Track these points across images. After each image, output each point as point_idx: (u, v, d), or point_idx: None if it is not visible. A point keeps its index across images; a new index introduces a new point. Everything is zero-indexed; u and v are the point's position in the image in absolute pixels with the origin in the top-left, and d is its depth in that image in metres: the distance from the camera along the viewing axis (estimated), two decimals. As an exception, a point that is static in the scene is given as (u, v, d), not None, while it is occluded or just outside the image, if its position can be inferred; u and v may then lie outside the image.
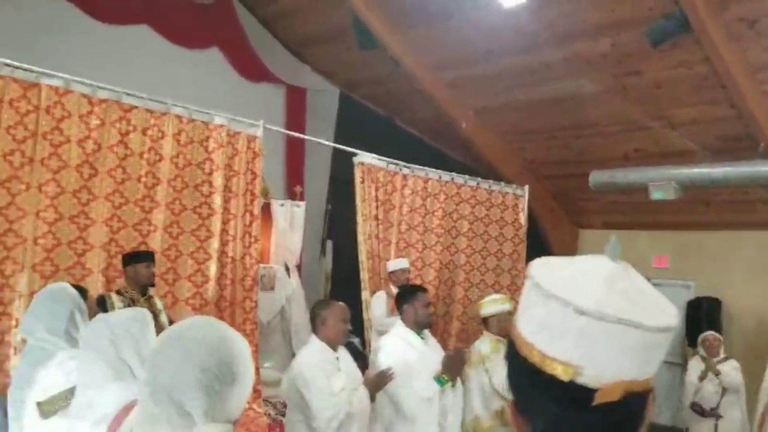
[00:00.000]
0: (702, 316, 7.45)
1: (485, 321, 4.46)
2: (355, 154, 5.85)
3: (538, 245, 8.61)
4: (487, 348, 4.25)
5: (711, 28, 5.43)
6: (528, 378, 0.86)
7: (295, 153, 7.78)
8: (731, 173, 6.16)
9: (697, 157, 6.76)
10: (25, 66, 4.34)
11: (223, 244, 5.22)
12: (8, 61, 4.26)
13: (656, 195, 6.60)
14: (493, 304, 4.49)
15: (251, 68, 7.73)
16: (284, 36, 8.18)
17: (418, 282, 5.97)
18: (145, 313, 2.19)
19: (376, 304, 5.41)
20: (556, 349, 0.83)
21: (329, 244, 7.69)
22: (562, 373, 0.81)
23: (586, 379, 0.81)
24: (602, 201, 8.36)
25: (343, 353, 3.36)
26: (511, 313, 4.22)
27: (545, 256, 0.95)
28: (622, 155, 7.47)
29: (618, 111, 6.87)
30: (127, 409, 1.89)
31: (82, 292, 2.80)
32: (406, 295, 3.79)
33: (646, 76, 6.39)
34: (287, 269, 6.11)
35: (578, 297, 0.82)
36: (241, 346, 1.47)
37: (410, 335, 3.61)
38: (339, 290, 7.31)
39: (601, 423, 0.83)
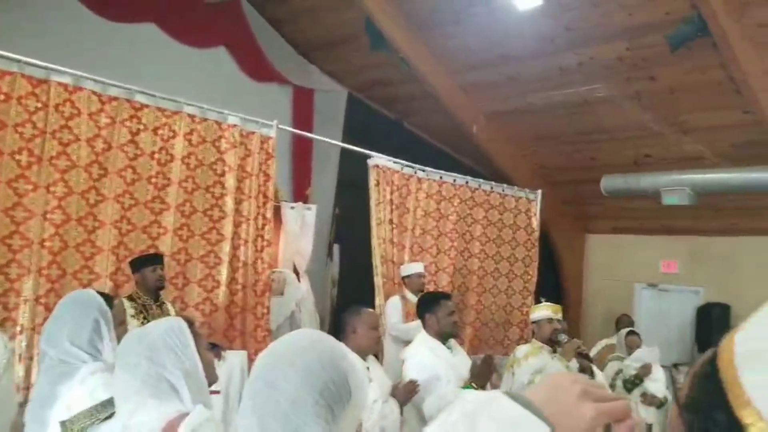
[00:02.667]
0: (712, 322, 7.41)
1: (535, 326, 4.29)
2: (368, 156, 5.74)
3: (545, 250, 8.54)
4: (522, 352, 4.11)
5: (729, 33, 5.38)
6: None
7: (302, 155, 7.66)
8: (748, 179, 6.12)
9: (707, 162, 6.71)
10: (35, 62, 4.21)
11: (235, 248, 5.09)
12: (18, 57, 4.12)
13: (669, 200, 6.55)
14: (537, 310, 4.34)
15: (258, 68, 7.61)
16: (292, 37, 8.07)
17: (431, 287, 5.86)
18: (181, 323, 2.06)
19: (391, 310, 5.30)
20: None
21: (336, 248, 7.56)
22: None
23: None
24: (611, 206, 8.30)
25: (373, 363, 3.25)
26: (551, 321, 4.09)
27: None
28: (632, 161, 7.42)
29: (631, 116, 6.81)
30: (172, 425, 1.78)
31: (108, 300, 2.66)
32: (428, 303, 3.62)
33: (660, 82, 6.33)
34: (297, 274, 5.99)
35: None
36: (353, 360, 1.35)
37: (435, 345, 3.46)
38: (346, 295, 7.19)
39: None
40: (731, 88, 6.00)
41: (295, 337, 1.40)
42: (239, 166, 5.15)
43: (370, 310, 3.24)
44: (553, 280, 8.84)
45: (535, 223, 6.81)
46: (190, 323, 2.02)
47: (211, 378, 1.87)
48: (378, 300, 5.49)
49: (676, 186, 6.56)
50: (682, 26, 5.49)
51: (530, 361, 3.92)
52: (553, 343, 4.04)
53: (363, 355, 3.14)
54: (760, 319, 0.69)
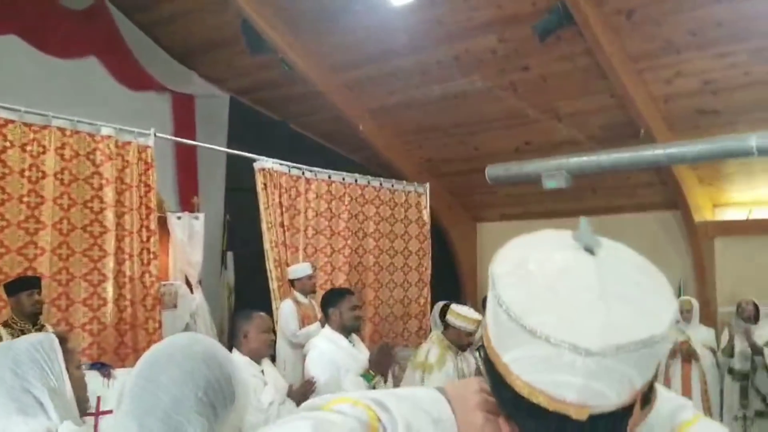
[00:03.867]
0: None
1: (446, 327, 4.27)
2: (253, 160, 5.65)
3: (439, 241, 8.73)
4: (434, 356, 4.11)
5: (592, 21, 5.70)
6: (523, 410, 0.77)
7: (187, 163, 7.42)
8: (617, 159, 6.49)
9: (583, 146, 7.08)
10: None
11: (119, 263, 4.90)
12: None
13: (549, 184, 6.84)
14: (462, 319, 4.10)
15: (133, 77, 7.30)
16: (167, 43, 7.80)
17: (327, 287, 5.85)
18: (52, 338, 1.95)
19: (287, 317, 5.22)
20: (561, 389, 0.74)
21: (230, 255, 7.38)
22: (578, 415, 0.73)
23: (598, 408, 0.74)
24: (498, 194, 8.59)
25: (268, 366, 3.20)
26: (470, 334, 4.10)
27: (505, 271, 0.82)
28: (514, 149, 7.71)
29: (508, 106, 7.07)
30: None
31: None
32: (331, 298, 3.68)
33: (533, 71, 6.62)
34: (189, 285, 5.80)
35: (572, 332, 0.72)
36: (237, 363, 1.33)
37: (338, 338, 3.51)
38: (244, 302, 7.04)
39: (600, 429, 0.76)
40: (598, 73, 6.36)
41: (178, 337, 1.38)
42: (117, 178, 4.94)
43: (261, 313, 3.19)
44: (450, 270, 9.06)
45: (426, 215, 6.95)
46: (62, 340, 1.94)
47: (81, 396, 1.78)
48: (275, 305, 5.42)
49: (554, 170, 6.86)
50: (548, 16, 5.77)
51: (444, 369, 3.99)
52: (460, 347, 4.13)
53: (256, 359, 3.09)
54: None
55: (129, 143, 5.05)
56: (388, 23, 6.42)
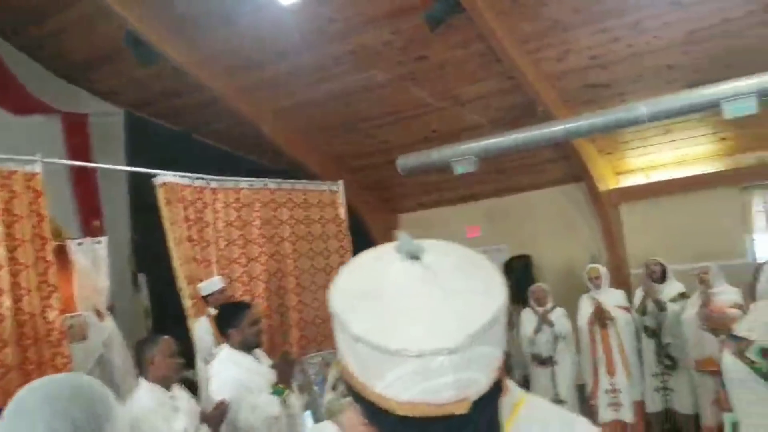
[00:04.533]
0: (517, 274, 8.01)
1: None
2: (153, 176, 5.43)
3: (360, 237, 8.70)
4: None
5: (480, 6, 5.78)
6: (397, 424, 0.80)
7: (85, 185, 7.07)
8: (519, 139, 6.63)
9: (487, 129, 7.21)
10: None
11: (17, 300, 4.59)
12: None
13: (459, 169, 6.93)
14: None
15: (18, 102, 6.90)
16: (51, 62, 7.40)
17: (247, 298, 5.73)
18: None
19: (199, 333, 5.05)
20: (438, 394, 0.78)
21: (142, 277, 7.12)
22: (461, 409, 0.78)
23: (475, 395, 0.80)
24: (412, 184, 8.65)
25: (179, 391, 3.07)
26: None
27: (348, 307, 0.84)
28: (422, 138, 7.77)
29: (411, 96, 7.11)
30: None
31: None
32: (227, 316, 3.44)
33: (431, 60, 6.67)
34: (98, 313, 5.53)
35: (400, 339, 0.77)
36: (103, 391, 1.38)
37: (241, 357, 3.32)
38: (162, 324, 6.81)
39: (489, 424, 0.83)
40: (492, 57, 6.47)
41: (42, 381, 1.40)
42: (5, 210, 4.64)
43: (166, 337, 3.05)
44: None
45: (343, 213, 6.90)
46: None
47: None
48: (190, 323, 5.24)
49: (462, 155, 6.95)
50: (437, 5, 5.80)
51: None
52: None
53: (165, 384, 2.96)
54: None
55: (15, 172, 4.75)
56: (279, 23, 6.31)
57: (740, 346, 3.21)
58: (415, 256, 0.84)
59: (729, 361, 3.26)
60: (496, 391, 0.83)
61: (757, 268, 3.52)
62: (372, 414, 0.83)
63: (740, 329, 3.32)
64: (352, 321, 0.81)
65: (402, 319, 0.79)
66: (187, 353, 5.29)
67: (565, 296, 7.06)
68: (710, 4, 5.64)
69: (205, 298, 5.24)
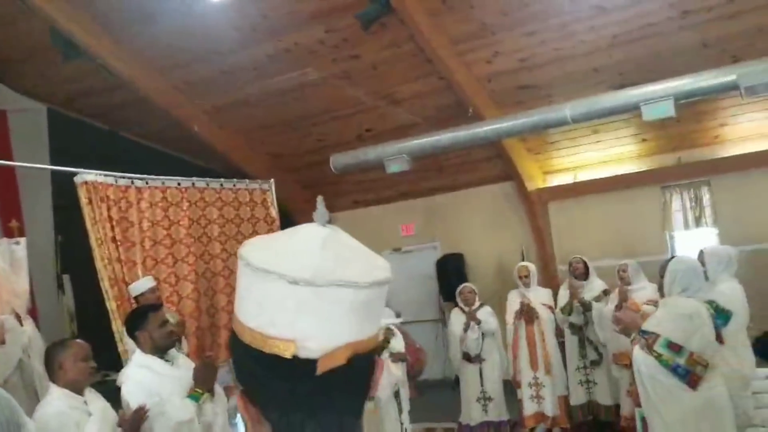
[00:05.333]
0: (450, 272, 8.13)
1: None
2: (75, 174, 5.26)
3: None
4: None
5: (410, 8, 5.85)
6: (254, 364, 0.82)
7: (5, 185, 6.79)
8: (451, 139, 6.73)
9: (421, 128, 7.29)
10: None
11: (-73, 304, 4.39)
12: None
13: (392, 168, 6.97)
14: None
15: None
16: (-31, 57, 7.09)
17: (174, 299, 5.62)
18: None
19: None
20: (276, 327, 0.80)
21: (66, 278, 6.89)
22: (284, 351, 0.79)
23: (309, 351, 0.79)
24: (348, 182, 8.68)
25: (93, 395, 2.99)
26: None
27: (256, 237, 0.92)
28: (356, 136, 7.80)
29: (345, 95, 7.13)
30: None
31: None
32: (134, 320, 3.35)
33: (363, 59, 6.71)
34: (17, 317, 5.31)
35: (290, 268, 0.79)
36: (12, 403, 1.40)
37: (152, 361, 3.21)
38: (88, 327, 6.61)
39: (332, 389, 0.81)
40: (424, 58, 6.56)
41: None
42: None
43: (78, 341, 2.97)
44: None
45: (274, 212, 6.82)
46: None
47: None
48: (115, 326, 5.10)
49: (396, 154, 7.00)
50: (369, 5, 5.84)
51: None
52: None
53: (77, 390, 2.89)
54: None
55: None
56: (211, 21, 6.22)
57: (648, 340, 3.35)
58: (327, 225, 0.88)
59: (639, 356, 3.40)
60: (350, 369, 0.80)
61: (663, 266, 3.68)
62: (236, 356, 0.86)
63: (649, 325, 3.47)
64: (251, 252, 0.85)
65: (292, 253, 0.82)
66: (109, 356, 5.19)
67: (496, 292, 7.22)
68: (632, 9, 5.86)
69: (136, 298, 5.12)
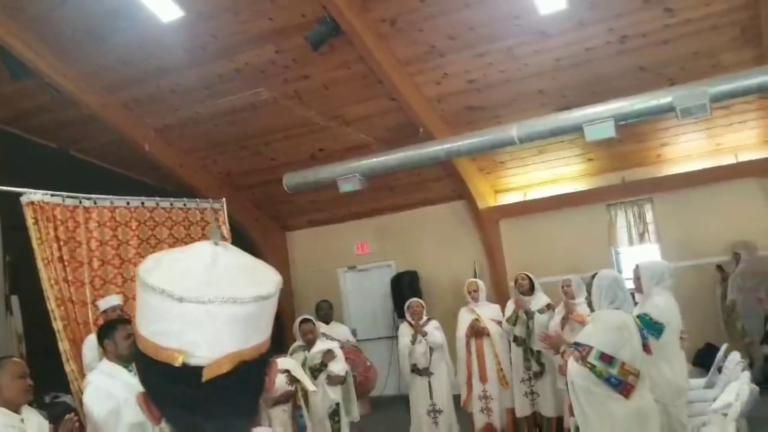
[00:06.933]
0: (404, 289, 8.21)
1: None
2: (21, 194, 5.22)
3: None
4: None
5: (359, 30, 5.97)
6: (150, 369, 0.90)
7: (-53, 204, 6.65)
8: (402, 158, 6.86)
9: (372, 148, 7.39)
10: None
11: None
12: None
13: (345, 187, 7.06)
14: None
15: None
16: None
17: (125, 318, 5.57)
18: None
19: (84, 348, 4.91)
20: (166, 338, 0.87)
21: (15, 299, 6.75)
22: (174, 360, 0.86)
23: (197, 359, 0.86)
24: (301, 202, 8.72)
25: (29, 413, 2.98)
26: None
27: (153, 254, 0.99)
28: (309, 156, 7.87)
29: (297, 115, 7.19)
30: None
31: None
32: (105, 330, 3.58)
33: (314, 79, 6.80)
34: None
35: (178, 285, 0.86)
36: None
37: (114, 369, 3.36)
38: (37, 348, 6.48)
39: (222, 393, 0.88)
40: (374, 79, 6.67)
41: None
42: None
43: (15, 358, 2.98)
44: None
45: (225, 231, 6.83)
46: None
47: None
48: (62, 346, 5.05)
49: (348, 174, 7.08)
50: (317, 26, 5.93)
51: None
52: None
53: (14, 407, 2.88)
54: None
55: None
56: (160, 40, 6.25)
57: (582, 352, 3.48)
58: (219, 243, 0.95)
59: (573, 368, 3.53)
60: (236, 375, 0.87)
61: (588, 283, 3.83)
62: (136, 361, 0.93)
63: (581, 337, 3.61)
64: (145, 269, 0.91)
65: (181, 271, 0.89)
66: (57, 375, 5.12)
67: (449, 308, 7.31)
68: (573, 34, 6.09)
69: (100, 314, 5.15)
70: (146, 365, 0.90)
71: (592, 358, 3.45)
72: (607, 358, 3.43)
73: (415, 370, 5.94)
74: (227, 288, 0.87)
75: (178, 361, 0.86)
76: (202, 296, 0.85)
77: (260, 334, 0.92)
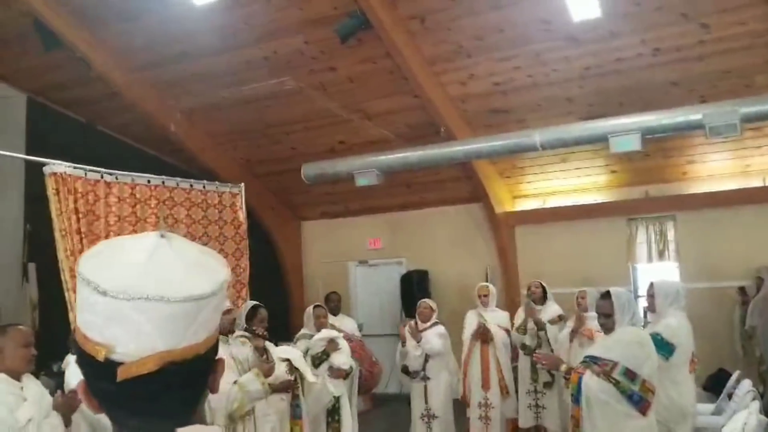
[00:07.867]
0: (414, 288, 8.19)
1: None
2: (45, 164, 5.30)
3: (263, 242, 8.71)
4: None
5: (388, 26, 5.96)
6: (82, 360, 0.88)
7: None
8: (421, 157, 6.83)
9: (393, 144, 7.39)
10: None
11: None
12: None
13: (361, 182, 7.06)
14: None
15: None
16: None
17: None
18: None
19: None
20: (91, 331, 0.85)
21: (32, 267, 6.88)
22: (97, 354, 0.83)
23: (120, 356, 0.83)
24: (317, 193, 8.73)
25: (30, 381, 3.02)
26: None
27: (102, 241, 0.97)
28: (329, 148, 7.88)
29: (320, 106, 7.21)
30: None
31: None
32: None
33: (340, 72, 6.81)
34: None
35: (106, 278, 0.83)
36: None
37: None
38: (51, 317, 6.60)
39: (144, 393, 0.85)
40: (399, 75, 6.66)
41: None
42: None
43: (20, 326, 3.01)
44: (275, 270, 9.07)
45: (242, 216, 6.86)
46: None
47: None
48: (72, 316, 5.12)
49: (366, 168, 7.08)
50: (347, 20, 5.95)
51: None
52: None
53: (15, 375, 2.92)
54: None
55: None
56: (192, 23, 6.30)
57: (605, 367, 3.42)
58: (165, 235, 0.91)
59: (592, 382, 3.44)
60: (163, 376, 0.84)
61: (599, 303, 3.77)
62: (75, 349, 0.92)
63: (596, 351, 3.56)
64: (85, 257, 0.89)
65: (116, 264, 0.86)
66: (64, 346, 5.20)
67: (457, 311, 7.26)
68: (605, 43, 6.01)
69: None
70: (78, 354, 0.88)
71: (617, 374, 3.38)
72: (631, 374, 3.37)
73: (405, 371, 5.83)
74: (158, 285, 0.84)
75: (100, 355, 0.83)
76: (128, 292, 0.82)
77: (197, 334, 0.87)
